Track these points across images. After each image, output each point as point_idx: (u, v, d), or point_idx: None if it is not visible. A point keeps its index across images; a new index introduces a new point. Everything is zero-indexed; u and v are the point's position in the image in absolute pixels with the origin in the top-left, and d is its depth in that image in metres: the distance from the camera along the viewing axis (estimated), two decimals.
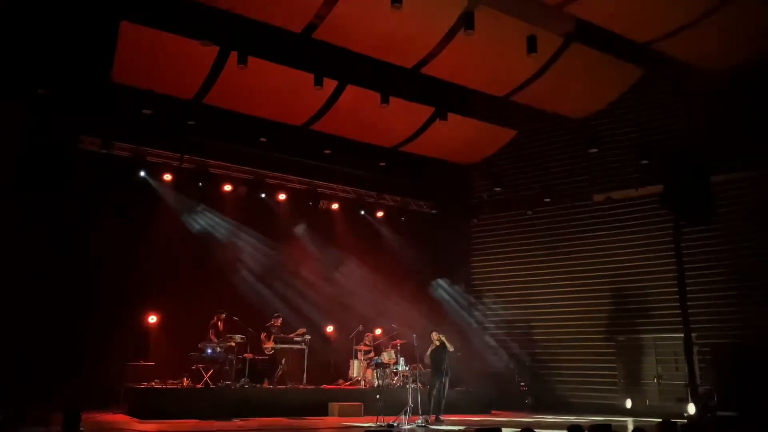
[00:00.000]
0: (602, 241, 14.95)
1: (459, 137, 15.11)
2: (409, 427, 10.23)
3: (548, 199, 15.56)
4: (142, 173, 12.96)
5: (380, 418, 10.64)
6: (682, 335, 11.90)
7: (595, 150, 14.67)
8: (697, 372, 12.08)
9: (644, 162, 13.88)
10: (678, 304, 12.07)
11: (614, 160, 14.79)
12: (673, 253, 12.48)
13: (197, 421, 10.21)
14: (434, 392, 11.25)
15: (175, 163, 13.39)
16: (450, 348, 11.47)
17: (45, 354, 10.55)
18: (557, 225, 15.67)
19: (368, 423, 10.55)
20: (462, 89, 13.64)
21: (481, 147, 16.26)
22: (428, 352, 11.47)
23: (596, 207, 15.16)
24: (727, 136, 12.88)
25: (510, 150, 16.31)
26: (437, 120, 14.09)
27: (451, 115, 14.02)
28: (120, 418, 10.40)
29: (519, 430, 5.57)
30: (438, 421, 10.98)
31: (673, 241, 11.88)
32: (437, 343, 11.42)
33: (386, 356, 12.90)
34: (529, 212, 15.94)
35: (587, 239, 15.19)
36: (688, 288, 11.60)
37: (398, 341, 13.23)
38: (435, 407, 11.15)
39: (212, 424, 9.97)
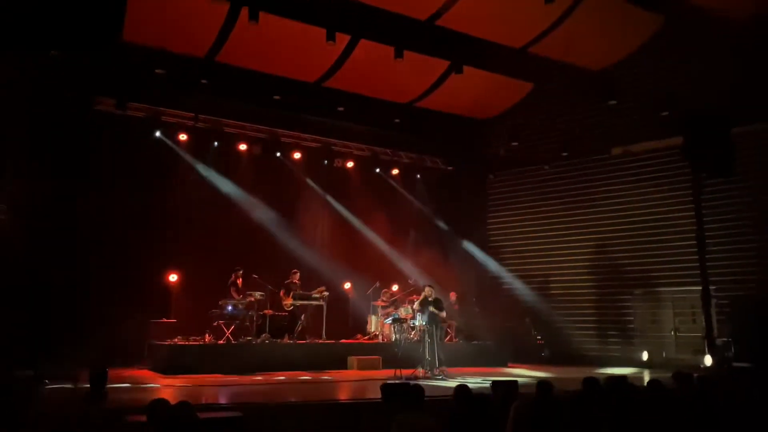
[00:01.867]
0: (620, 194, 14.80)
1: (475, 91, 14.88)
2: (426, 379, 10.41)
3: (566, 153, 15.37)
4: (158, 133, 13.02)
5: (398, 371, 10.84)
6: (700, 288, 11.87)
7: (614, 102, 14.36)
8: (715, 324, 12.08)
9: (664, 114, 13.59)
10: (696, 257, 11.99)
11: (633, 112, 14.49)
12: (692, 206, 12.33)
13: (220, 375, 10.46)
14: (427, 345, 11.25)
15: (190, 123, 13.40)
16: (441, 314, 11.38)
17: (69, 312, 10.81)
18: (575, 179, 15.52)
19: (387, 376, 10.74)
20: (478, 41, 13.34)
21: (497, 101, 16.02)
22: (416, 304, 11.56)
23: (615, 160, 14.96)
24: (750, 86, 12.53)
25: (527, 103, 16.05)
26: (452, 74, 13.85)
27: (466, 69, 13.75)
28: (144, 374, 10.70)
29: (535, 382, 5.63)
30: (441, 373, 10.97)
31: (693, 193, 11.73)
32: (429, 297, 11.43)
33: (403, 311, 13.05)
34: (546, 167, 15.78)
35: (605, 193, 15.05)
36: (707, 241, 11.50)
37: (415, 297, 13.35)
38: (431, 360, 11.14)
39: (234, 379, 10.21)
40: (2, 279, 9.96)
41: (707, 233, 11.74)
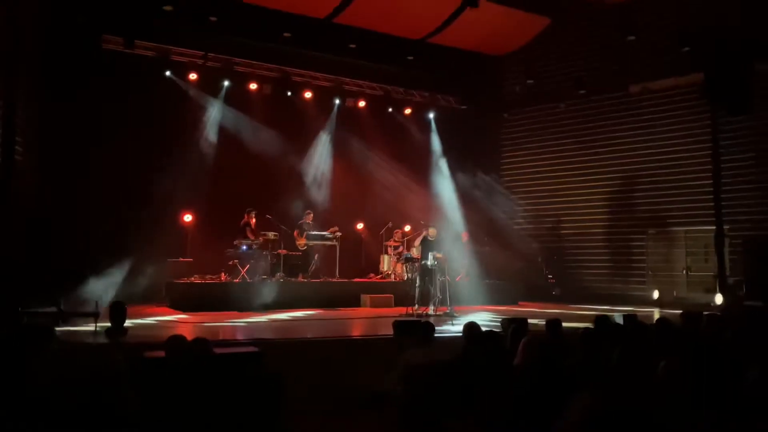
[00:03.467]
0: (636, 133, 14.57)
1: (490, 26, 14.46)
2: (437, 317, 10.59)
3: (582, 91, 15.05)
4: (168, 73, 12.89)
5: (410, 308, 11.03)
6: (714, 227, 11.82)
7: (632, 38, 13.94)
8: (727, 264, 12.08)
9: (685, 50, 13.18)
10: (711, 196, 11.91)
11: (653, 48, 14.06)
12: (708, 144, 12.16)
13: (236, 313, 10.70)
14: (423, 286, 11.23)
15: (199, 62, 13.24)
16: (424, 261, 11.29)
17: (87, 250, 11.01)
18: (591, 117, 15.27)
19: (399, 313, 10.92)
20: None
21: (513, 37, 15.59)
22: (418, 243, 11.57)
23: (632, 98, 14.64)
24: None
25: (543, 39, 15.62)
26: (467, 8, 13.42)
27: (482, 2, 13.30)
28: (163, 311, 10.97)
29: (545, 320, 5.71)
30: (451, 311, 11.07)
31: (711, 132, 11.53)
32: (430, 238, 11.42)
33: (415, 251, 13.13)
34: (562, 105, 15.50)
35: (621, 131, 14.82)
36: (722, 180, 11.38)
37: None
38: (422, 300, 11.13)
39: (251, 315, 10.45)
40: (21, 217, 10.11)
41: (723, 172, 11.61)
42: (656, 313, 11.73)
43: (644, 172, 14.48)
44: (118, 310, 7.87)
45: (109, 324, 7.82)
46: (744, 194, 12.83)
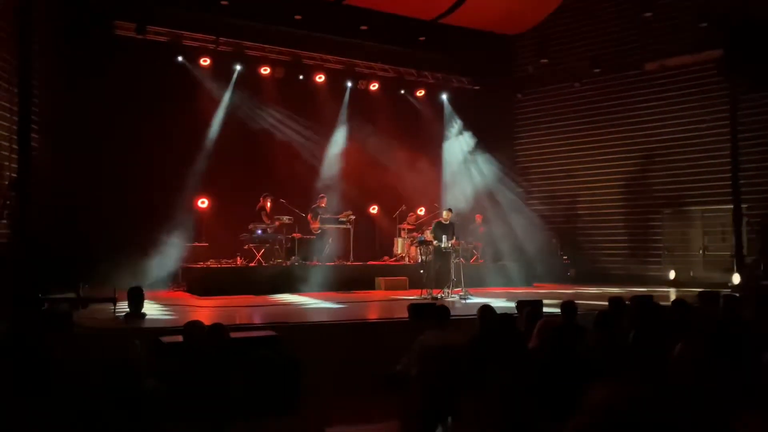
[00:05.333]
0: (653, 111, 14.37)
1: (503, 5, 14.29)
2: (451, 299, 10.61)
3: (598, 70, 14.85)
4: (180, 58, 12.88)
5: (425, 291, 11.04)
6: (731, 207, 11.69)
7: (649, 14, 13.70)
8: (745, 243, 11.95)
9: (703, 25, 12.94)
10: (729, 175, 11.75)
11: (670, 24, 13.82)
12: (726, 122, 11.97)
13: (252, 297, 10.78)
14: (438, 268, 11.22)
15: (211, 47, 13.22)
16: (435, 242, 11.15)
17: (106, 237, 11.11)
18: (606, 96, 15.07)
19: (413, 296, 10.95)
20: None
21: (526, 15, 15.38)
22: (433, 227, 11.50)
23: (648, 76, 14.42)
24: None
25: (558, 17, 15.39)
26: None
27: None
28: (180, 295, 11.08)
29: (560, 301, 5.69)
30: (466, 294, 11.06)
31: (729, 109, 11.33)
32: (444, 221, 11.34)
33: (429, 234, 13.12)
34: (577, 84, 15.31)
35: (637, 110, 14.62)
36: (740, 158, 11.22)
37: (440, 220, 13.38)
38: (436, 283, 11.06)
39: (266, 300, 10.52)
40: (38, 203, 10.20)
41: (741, 150, 11.44)
42: (673, 294, 11.66)
43: (660, 151, 14.31)
44: (135, 295, 7.95)
45: (127, 309, 7.92)
46: (762, 172, 12.63)
